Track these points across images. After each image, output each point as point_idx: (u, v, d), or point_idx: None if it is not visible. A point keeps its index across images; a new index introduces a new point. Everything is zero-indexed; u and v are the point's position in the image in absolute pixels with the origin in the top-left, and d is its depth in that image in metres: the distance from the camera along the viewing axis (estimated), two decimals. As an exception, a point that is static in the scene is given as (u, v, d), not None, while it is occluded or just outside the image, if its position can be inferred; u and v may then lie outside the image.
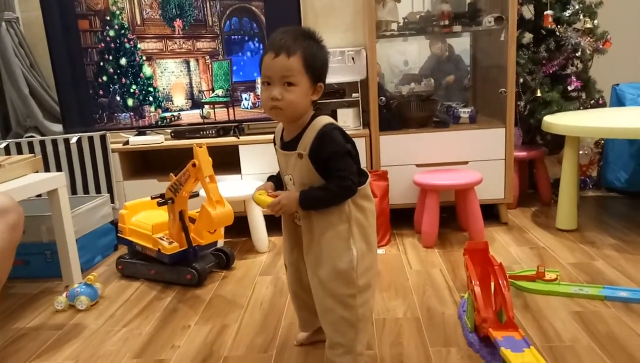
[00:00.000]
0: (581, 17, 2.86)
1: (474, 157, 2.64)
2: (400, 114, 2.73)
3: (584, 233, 2.48)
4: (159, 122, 2.96)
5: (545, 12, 2.85)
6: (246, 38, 2.84)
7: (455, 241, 2.52)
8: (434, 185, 2.42)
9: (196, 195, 2.25)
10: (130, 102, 2.94)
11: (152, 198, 2.25)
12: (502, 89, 2.57)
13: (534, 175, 3.10)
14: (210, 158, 2.04)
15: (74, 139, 2.81)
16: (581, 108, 2.96)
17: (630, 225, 2.58)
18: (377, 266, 1.44)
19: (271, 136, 2.79)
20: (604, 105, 3.07)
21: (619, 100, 3.06)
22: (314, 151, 1.31)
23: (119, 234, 2.45)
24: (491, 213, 2.75)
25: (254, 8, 2.79)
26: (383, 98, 2.63)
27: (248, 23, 2.82)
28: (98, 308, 2.07)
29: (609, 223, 2.62)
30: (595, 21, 2.90)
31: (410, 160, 2.66)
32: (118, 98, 2.93)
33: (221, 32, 2.84)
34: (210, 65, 2.88)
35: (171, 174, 2.16)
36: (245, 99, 2.90)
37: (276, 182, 1.48)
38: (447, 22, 2.64)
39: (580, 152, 3.14)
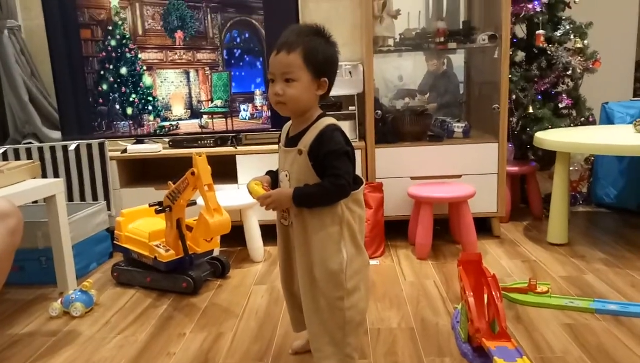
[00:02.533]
0: (572, 37, 2.94)
1: (467, 170, 2.69)
2: (395, 127, 2.78)
3: (574, 248, 2.53)
4: (158, 131, 2.98)
5: (537, 32, 2.93)
6: (246, 50, 2.88)
7: (449, 253, 2.56)
8: (428, 197, 2.47)
9: (194, 203, 2.28)
10: (129, 110, 2.97)
11: (150, 205, 2.27)
12: (495, 105, 2.63)
13: (526, 190, 3.15)
14: (209, 166, 2.07)
15: (72, 146, 2.83)
16: (572, 125, 3.03)
17: (619, 240, 2.63)
18: (366, 270, 1.45)
19: (268, 147, 2.88)
20: (594, 122, 3.14)
21: (608, 118, 3.14)
22: (313, 149, 1.34)
23: (114, 241, 2.46)
24: (484, 226, 2.79)
25: (254, 21, 2.84)
26: (379, 111, 2.69)
27: (248, 36, 2.87)
28: (93, 315, 2.07)
29: (599, 238, 2.67)
30: (586, 41, 2.98)
31: (405, 173, 2.70)
32: (117, 106, 2.96)
33: (221, 44, 2.88)
34: (209, 76, 2.92)
35: (170, 181, 2.18)
36: (244, 109, 2.94)
37: (274, 178, 1.50)
38: (442, 39, 2.70)
39: (571, 168, 3.19)
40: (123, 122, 2.98)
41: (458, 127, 2.80)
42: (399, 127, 2.77)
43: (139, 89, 2.94)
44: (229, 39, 2.88)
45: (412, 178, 2.70)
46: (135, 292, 2.28)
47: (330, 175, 1.33)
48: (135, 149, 2.90)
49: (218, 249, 2.48)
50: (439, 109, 3.11)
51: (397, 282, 2.24)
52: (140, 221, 2.44)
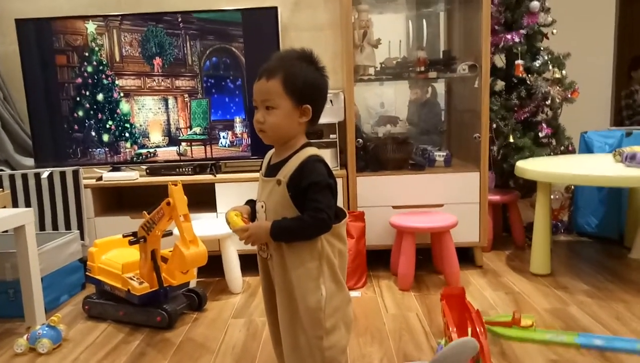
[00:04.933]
0: (550, 67, 2.97)
1: (449, 199, 2.66)
2: (377, 155, 2.75)
3: (557, 278, 2.50)
4: (135, 159, 2.92)
5: (516, 62, 2.96)
6: (226, 77, 2.85)
7: (431, 284, 2.51)
8: (410, 227, 2.43)
9: (169, 234, 2.21)
10: (105, 137, 2.90)
11: (124, 236, 2.19)
12: (477, 134, 2.63)
13: (508, 219, 3.14)
14: (185, 196, 2.01)
15: (45, 173, 2.75)
16: (552, 154, 3.04)
17: (601, 270, 2.61)
18: (347, 308, 1.38)
19: (248, 175, 2.84)
20: (573, 151, 3.17)
21: (587, 147, 3.16)
22: (293, 179, 1.30)
23: (87, 273, 2.37)
24: (466, 256, 2.76)
25: (234, 49, 2.82)
26: (360, 140, 2.66)
27: (228, 63, 2.84)
28: (61, 351, 1.97)
29: (581, 268, 2.65)
30: (564, 71, 3.02)
31: (386, 202, 2.67)
32: (93, 133, 2.89)
33: (201, 71, 2.85)
34: (188, 103, 2.88)
35: (144, 212, 2.11)
36: (223, 137, 2.89)
37: (253, 207, 1.45)
38: (423, 68, 2.71)
39: (552, 197, 3.20)
40: (99, 150, 2.91)
41: (439, 156, 2.79)
42: (380, 155, 2.75)
43: (116, 115, 2.88)
44: (208, 66, 2.85)
45: (394, 207, 2.66)
46: (107, 327, 2.19)
47: (311, 209, 1.28)
48: (111, 177, 2.83)
49: (195, 280, 2.40)
50: (420, 136, 3.11)
51: (380, 314, 2.18)
52: (114, 252, 2.35)
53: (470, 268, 2.70)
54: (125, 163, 2.93)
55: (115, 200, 3.04)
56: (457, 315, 1.71)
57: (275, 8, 2.78)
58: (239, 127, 2.88)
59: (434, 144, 3.09)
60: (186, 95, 2.88)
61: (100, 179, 2.83)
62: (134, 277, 2.17)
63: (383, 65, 2.81)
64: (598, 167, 2.41)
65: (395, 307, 2.25)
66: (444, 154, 2.79)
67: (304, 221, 1.28)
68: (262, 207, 1.36)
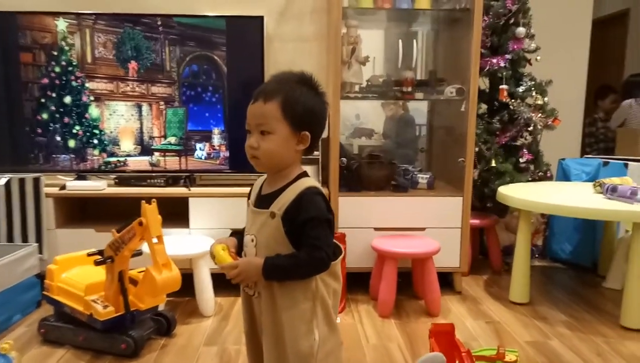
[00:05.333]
0: (533, 93, 2.97)
1: (431, 223, 2.61)
2: (359, 175, 2.67)
3: (536, 308, 2.47)
4: (103, 167, 2.75)
5: (500, 86, 2.94)
6: (205, 86, 2.72)
7: (412, 310, 2.44)
8: (393, 252, 2.35)
9: (139, 253, 2.06)
10: (71, 143, 2.72)
11: (89, 255, 2.03)
12: (461, 158, 2.59)
13: (485, 243, 3.12)
14: (159, 216, 1.87)
15: (2, 180, 2.54)
16: (530, 180, 3.03)
17: (577, 299, 2.60)
18: (339, 352, 1.30)
19: (225, 189, 2.71)
20: (551, 178, 3.17)
21: (564, 174, 3.18)
22: (289, 213, 1.20)
23: (44, 292, 2.18)
24: (445, 280, 2.70)
25: (216, 57, 2.69)
26: (344, 159, 2.58)
27: (208, 72, 2.71)
28: (13, 381, 1.79)
29: (558, 297, 2.63)
30: (546, 98, 3.02)
31: (368, 224, 2.59)
32: (58, 138, 2.71)
33: (179, 79, 2.71)
34: (164, 111, 2.73)
35: (113, 230, 1.96)
36: (200, 148, 2.76)
37: (240, 240, 1.34)
38: (410, 89, 2.65)
39: None
40: (64, 156, 2.72)
41: (422, 177, 2.74)
42: (363, 175, 2.67)
43: (84, 120, 2.71)
44: (187, 73, 2.72)
45: (376, 229, 2.59)
46: (64, 353, 2.01)
47: (308, 246, 1.18)
48: (75, 186, 2.65)
49: (164, 303, 2.25)
50: (397, 150, 3.06)
51: (360, 345, 2.09)
52: (76, 270, 2.18)
53: (449, 293, 2.65)
54: (92, 171, 2.75)
55: (79, 212, 2.85)
56: (446, 352, 1.63)
57: (262, 18, 2.67)
58: (217, 139, 2.75)
59: (410, 161, 3.05)
60: (162, 103, 2.73)
61: (63, 187, 2.65)
62: (98, 299, 2.01)
63: (369, 83, 2.74)
64: (581, 198, 2.40)
65: (376, 336, 2.16)
66: (427, 176, 2.74)
67: (301, 259, 1.18)
68: (253, 240, 1.25)
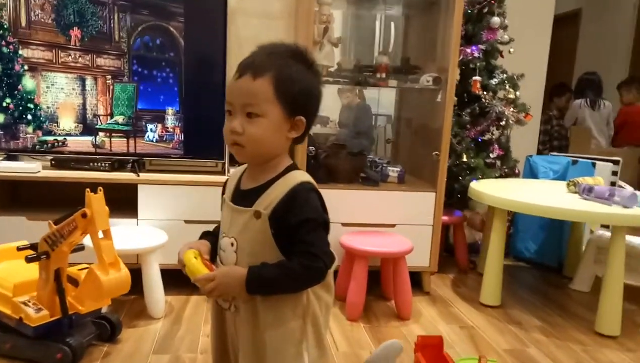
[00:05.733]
0: (507, 87, 2.87)
1: (401, 220, 2.46)
2: (328, 166, 2.49)
3: (507, 311, 2.39)
4: (38, 147, 2.41)
5: (474, 78, 2.83)
6: (159, 61, 2.44)
7: (381, 313, 2.29)
8: (363, 251, 2.19)
9: (81, 248, 1.78)
10: (0, 118, 2.37)
11: (20, 249, 1.74)
12: (436, 152, 2.45)
13: (450, 239, 3.02)
14: (106, 207, 1.61)
15: None
16: (498, 176, 2.95)
17: (548, 302, 2.54)
18: None
19: (178, 176, 2.44)
20: (518, 174, 3.11)
21: (531, 172, 3.12)
22: (278, 212, 1.00)
23: (-36, 290, 1.87)
24: (412, 280, 2.57)
25: (171, 29, 2.41)
26: (313, 148, 2.38)
27: (163, 45, 2.43)
28: None
29: (528, 300, 2.56)
30: (518, 92, 2.94)
31: (336, 218, 2.39)
32: (-16, 112, 2.35)
33: (129, 51, 2.41)
34: (111, 87, 2.43)
35: (50, 221, 1.68)
36: (151, 130, 2.47)
37: (213, 242, 1.12)
38: (383, 75, 2.48)
39: None
40: (-9, 132, 2.37)
41: (393, 171, 2.58)
42: (331, 166, 2.48)
43: (16, 92, 2.36)
44: (139, 45, 2.42)
45: (344, 224, 2.41)
46: (-13, 363, 1.72)
47: (303, 254, 0.99)
48: (5, 167, 2.30)
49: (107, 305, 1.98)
50: (352, 140, 2.90)
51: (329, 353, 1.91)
52: (3, 265, 1.87)
53: (418, 294, 2.52)
54: (24, 151, 2.41)
55: (9, 197, 2.50)
56: (431, 366, 1.49)
57: (225, -13, 2.41)
58: (170, 120, 2.48)
59: (368, 151, 2.89)
60: (109, 77, 2.42)
61: (-10, 168, 2.30)
62: (29, 301, 1.72)
63: (339, 66, 2.55)
64: (557, 198, 2.32)
65: (346, 343, 2.00)
66: (398, 169, 2.59)
67: (293, 270, 0.98)
68: (233, 245, 1.04)
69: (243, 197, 1.07)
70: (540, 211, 2.22)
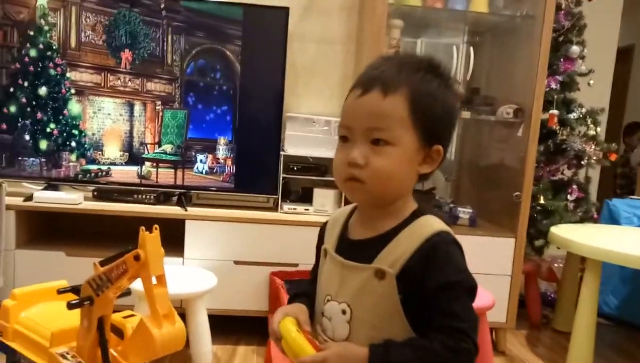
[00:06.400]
0: (589, 122, 2.61)
1: (475, 269, 2.14)
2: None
3: (601, 378, 2.07)
4: (80, 176, 2.24)
5: (550, 111, 2.57)
6: (213, 87, 2.26)
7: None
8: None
9: (128, 293, 1.56)
10: (43, 144, 2.21)
11: (60, 292, 1.53)
12: (517, 193, 2.19)
13: (525, 292, 2.71)
14: (162, 250, 1.39)
15: (-50, 184, 2.01)
16: (578, 220, 2.66)
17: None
18: None
19: (226, 211, 2.23)
20: (596, 219, 2.80)
21: (611, 217, 2.81)
22: (410, 271, 0.76)
23: (-5, 335, 1.66)
24: (485, 336, 2.28)
25: (228, 52, 2.24)
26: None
27: (218, 69, 2.26)
28: None
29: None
30: (598, 128, 2.67)
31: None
32: (27, 137, 2.20)
33: (181, 75, 2.25)
34: (160, 113, 2.26)
35: (96, 262, 1.46)
36: (201, 161, 2.28)
37: (309, 306, 0.88)
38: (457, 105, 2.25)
39: (555, 265, 2.83)
40: (32, 159, 2.20)
41: (463, 212, 2.32)
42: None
43: (61, 117, 2.20)
44: (192, 69, 2.26)
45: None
46: (15, 425, 1.49)
47: (446, 329, 0.74)
48: (45, 197, 2.13)
49: (151, 357, 1.74)
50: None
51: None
52: (40, 308, 1.66)
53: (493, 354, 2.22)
54: (66, 180, 2.24)
55: (48, 229, 2.32)
56: None
57: (287, 9, 2.24)
58: (222, 151, 2.29)
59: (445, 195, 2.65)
60: (159, 103, 2.25)
61: (29, 198, 2.13)
62: (67, 353, 1.50)
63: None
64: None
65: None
66: (469, 211, 2.33)
67: (434, 353, 0.73)
68: (345, 312, 0.80)
69: (355, 249, 0.83)
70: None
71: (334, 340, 0.82)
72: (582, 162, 2.59)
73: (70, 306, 1.45)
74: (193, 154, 2.29)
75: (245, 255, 2.15)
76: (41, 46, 2.18)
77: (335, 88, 2.59)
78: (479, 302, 1.87)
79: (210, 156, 2.29)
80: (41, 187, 2.22)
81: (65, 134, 2.22)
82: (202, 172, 2.29)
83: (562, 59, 2.63)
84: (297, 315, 0.82)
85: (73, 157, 2.23)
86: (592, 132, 2.63)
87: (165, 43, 2.23)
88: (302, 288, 0.94)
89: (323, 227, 0.93)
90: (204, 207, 2.26)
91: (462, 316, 0.74)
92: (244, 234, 2.14)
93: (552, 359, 2.22)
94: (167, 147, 2.28)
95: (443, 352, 0.73)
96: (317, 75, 2.59)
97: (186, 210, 2.17)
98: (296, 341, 0.75)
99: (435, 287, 0.75)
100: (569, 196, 2.62)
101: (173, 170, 2.29)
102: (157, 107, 2.26)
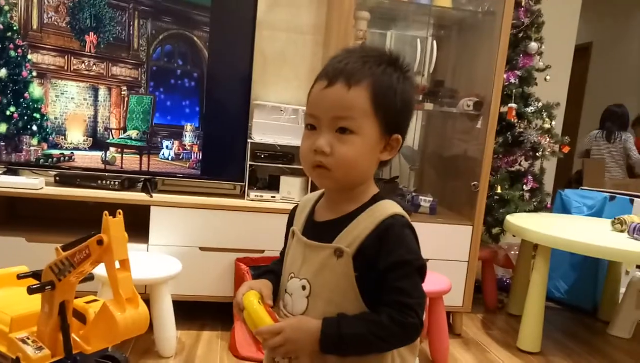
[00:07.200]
0: (544, 116, 2.72)
1: (434, 254, 2.27)
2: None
3: (549, 359, 2.18)
4: (42, 161, 2.20)
5: (509, 105, 2.67)
6: (179, 73, 2.26)
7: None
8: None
9: (90, 278, 1.56)
10: (2, 127, 2.16)
11: (20, 277, 1.52)
12: (474, 182, 2.27)
13: (481, 277, 2.82)
14: (126, 234, 1.40)
15: None
16: (532, 209, 2.78)
17: (590, 350, 2.35)
18: None
19: (193, 198, 2.24)
20: (549, 209, 2.94)
21: (563, 206, 2.95)
22: (365, 251, 0.81)
23: (-48, 320, 1.63)
24: (442, 320, 2.37)
25: (195, 38, 2.24)
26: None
27: (185, 55, 2.25)
28: None
29: (568, 347, 2.36)
30: (553, 122, 2.79)
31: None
32: (-15, 120, 2.15)
33: (148, 60, 2.23)
34: (126, 98, 2.24)
35: (58, 247, 1.46)
36: (167, 147, 2.28)
37: (275, 283, 0.93)
38: (420, 97, 2.32)
39: (512, 252, 2.95)
40: (-9, 142, 2.16)
41: (424, 201, 2.40)
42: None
43: (22, 100, 2.16)
44: (159, 54, 2.24)
45: (373, 258, 2.21)
46: (-26, 409, 1.48)
47: (395, 305, 0.79)
48: (4, 182, 2.09)
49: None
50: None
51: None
52: (0, 294, 1.65)
53: (449, 336, 2.31)
54: (27, 165, 2.20)
55: (8, 215, 2.28)
56: None
57: (255, -3, 2.25)
58: (189, 137, 2.29)
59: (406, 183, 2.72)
60: (124, 88, 2.23)
61: (-13, 182, 2.09)
62: (28, 338, 1.49)
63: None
64: (604, 237, 2.14)
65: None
66: (430, 199, 2.41)
67: (383, 326, 0.78)
68: (305, 288, 0.85)
69: (319, 230, 0.88)
70: (598, 252, 2.05)
71: (292, 314, 0.86)
72: (537, 154, 2.70)
73: (31, 291, 1.45)
74: (159, 140, 2.28)
75: (211, 242, 2.17)
76: (0, 26, 2.12)
77: (304, 77, 2.62)
78: (436, 286, 1.97)
79: (176, 142, 2.29)
80: (0, 172, 2.18)
81: (25, 118, 2.17)
82: (168, 158, 2.29)
83: (521, 55, 2.73)
84: (261, 289, 0.86)
85: (34, 141, 2.19)
86: (547, 126, 2.74)
87: (131, 27, 2.21)
88: (270, 267, 0.99)
89: (293, 211, 0.97)
90: (169, 194, 2.26)
91: (411, 293, 0.80)
92: (210, 221, 2.16)
93: (505, 341, 2.33)
94: (133, 133, 2.27)
95: (391, 325, 0.78)
96: (286, 64, 2.61)
97: (151, 196, 2.17)
98: (257, 312, 0.79)
99: (386, 265, 0.80)
100: (524, 186, 2.74)
101: (138, 156, 2.28)
102: (122, 92, 2.24)
